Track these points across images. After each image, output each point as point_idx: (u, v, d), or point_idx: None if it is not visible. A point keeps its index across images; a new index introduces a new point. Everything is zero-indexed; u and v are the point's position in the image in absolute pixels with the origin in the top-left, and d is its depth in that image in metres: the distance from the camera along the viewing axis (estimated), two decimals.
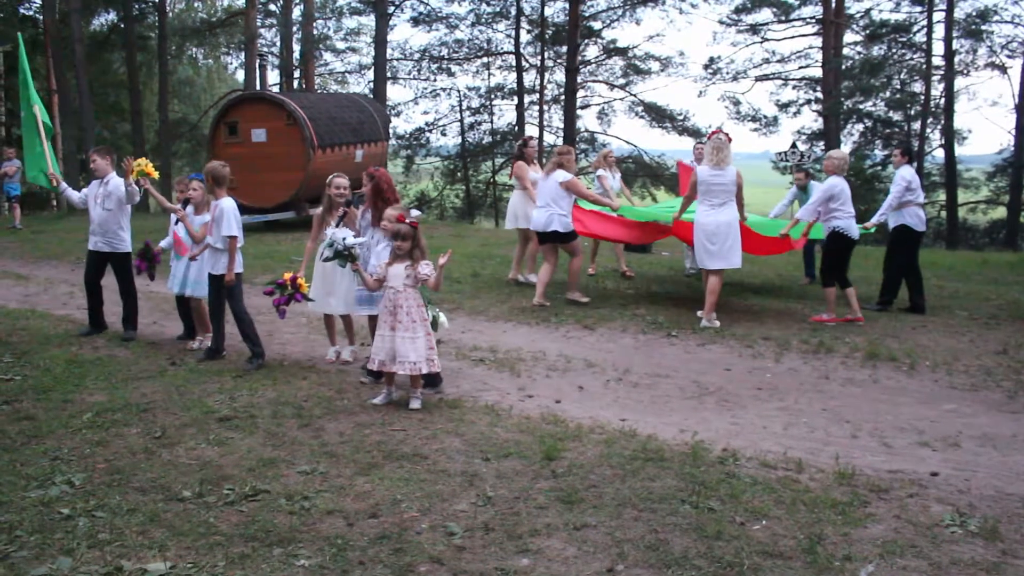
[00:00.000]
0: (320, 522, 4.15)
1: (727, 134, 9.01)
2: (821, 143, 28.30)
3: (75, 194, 8.44)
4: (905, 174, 9.56)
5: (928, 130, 28.13)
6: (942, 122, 27.26)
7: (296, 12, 30.40)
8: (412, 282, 6.02)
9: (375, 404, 6.06)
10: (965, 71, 27.64)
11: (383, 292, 6.13)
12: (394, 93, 42.50)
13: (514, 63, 31.64)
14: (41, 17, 28.97)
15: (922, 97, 27.74)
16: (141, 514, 4.20)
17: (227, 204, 7.16)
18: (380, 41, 27.75)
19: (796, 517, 4.22)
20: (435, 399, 6.20)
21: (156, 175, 8.02)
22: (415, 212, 6.52)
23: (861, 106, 28.02)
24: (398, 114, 32.93)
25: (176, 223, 7.94)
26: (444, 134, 33.52)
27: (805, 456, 5.11)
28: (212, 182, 7.24)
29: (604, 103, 31.69)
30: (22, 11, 30.23)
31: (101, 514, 4.20)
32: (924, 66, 27.61)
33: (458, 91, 33.15)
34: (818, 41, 28.94)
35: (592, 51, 31.42)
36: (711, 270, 8.89)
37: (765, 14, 29.42)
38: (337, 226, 6.98)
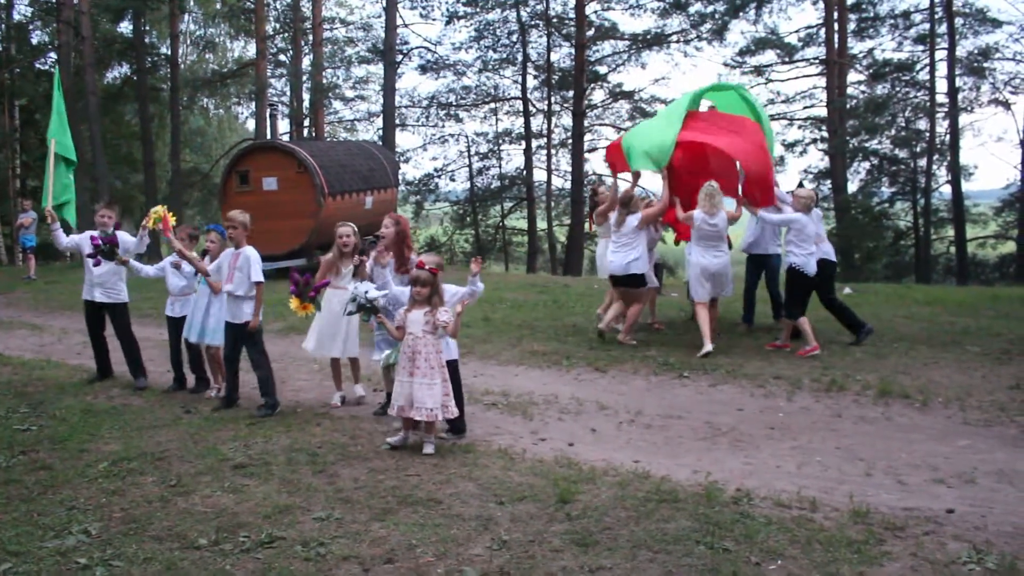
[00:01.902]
0: (336, 568, 4.16)
1: (717, 182, 9.49)
2: (828, 182, 28.42)
3: (64, 239, 8.35)
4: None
5: (934, 166, 28.23)
6: (948, 158, 27.37)
7: (305, 62, 30.91)
8: (431, 328, 6.06)
9: (390, 444, 6.07)
10: (969, 108, 27.88)
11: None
12: (403, 140, 42.99)
13: (521, 108, 31.99)
14: (57, 71, 29.48)
15: (927, 134, 27.89)
16: (158, 563, 4.22)
17: (252, 252, 7.23)
18: (388, 89, 28.13)
19: (812, 556, 4.20)
20: (449, 444, 6.21)
21: (174, 220, 7.91)
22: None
23: (867, 144, 28.16)
24: (407, 160, 33.28)
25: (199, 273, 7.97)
26: (453, 179, 33.83)
27: (819, 495, 5.09)
28: (244, 229, 7.27)
29: None
30: (37, 66, 30.80)
31: (118, 563, 4.22)
32: (928, 104, 27.79)
33: (466, 137, 33.55)
34: (822, 81, 29.17)
35: (598, 95, 31.78)
36: (702, 301, 9.59)
37: (769, 55, 29.70)
38: (354, 276, 7.15)
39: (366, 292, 6.42)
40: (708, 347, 9.18)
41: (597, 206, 11.03)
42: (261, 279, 7.19)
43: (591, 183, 13.56)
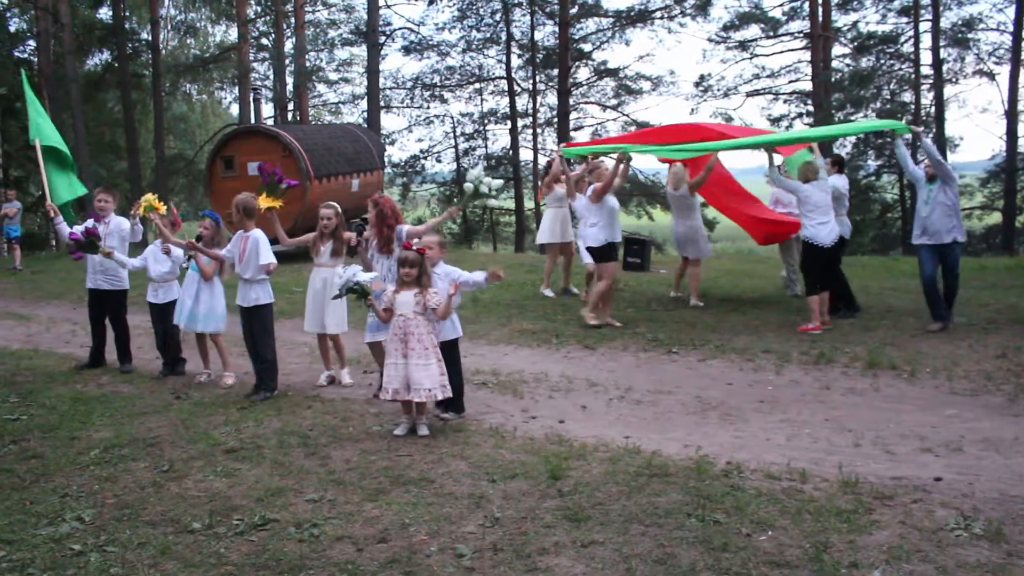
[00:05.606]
0: (330, 549, 4.17)
1: (683, 162, 10.66)
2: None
3: (66, 231, 8.36)
4: (837, 182, 9.95)
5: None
6: (933, 130, 27.40)
7: (288, 45, 30.62)
8: (421, 309, 6.02)
9: (396, 435, 5.98)
10: (954, 79, 27.89)
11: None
12: (388, 122, 42.74)
13: (506, 88, 31.81)
14: (36, 59, 29.22)
15: (912, 106, 27.92)
16: (152, 547, 4.23)
17: (260, 234, 7.32)
18: (372, 71, 27.95)
19: (801, 526, 4.25)
20: (439, 424, 6.23)
21: (163, 209, 7.98)
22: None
23: (852, 117, 28.16)
24: (392, 142, 33.12)
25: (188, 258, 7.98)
26: (439, 160, 33.68)
27: (809, 466, 5.14)
28: (243, 214, 7.32)
29: (597, 124, 31.86)
30: (16, 54, 30.44)
31: (112, 549, 4.23)
32: (913, 76, 27.82)
33: (451, 117, 33.37)
34: (807, 55, 29.16)
35: (583, 73, 31.62)
36: (690, 259, 10.95)
37: (753, 30, 29.65)
38: (352, 257, 7.20)
39: (354, 274, 6.39)
40: (694, 302, 10.69)
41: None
42: (272, 260, 7.26)
43: (550, 160, 13.61)
